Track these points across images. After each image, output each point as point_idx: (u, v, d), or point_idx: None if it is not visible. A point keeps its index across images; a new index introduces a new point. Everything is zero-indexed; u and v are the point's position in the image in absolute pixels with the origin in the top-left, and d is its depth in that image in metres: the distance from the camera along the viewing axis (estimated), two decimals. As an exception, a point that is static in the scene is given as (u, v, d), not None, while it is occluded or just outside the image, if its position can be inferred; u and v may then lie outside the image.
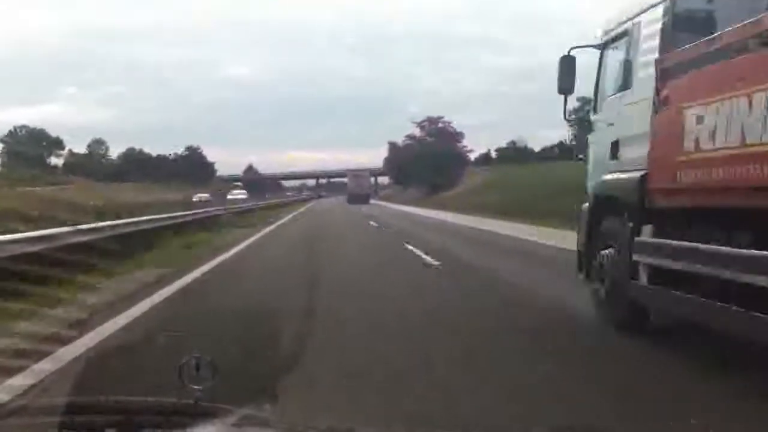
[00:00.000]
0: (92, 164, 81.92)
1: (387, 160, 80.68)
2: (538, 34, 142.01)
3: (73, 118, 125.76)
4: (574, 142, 59.30)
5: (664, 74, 4.94)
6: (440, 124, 72.60)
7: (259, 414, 1.68)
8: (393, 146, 78.80)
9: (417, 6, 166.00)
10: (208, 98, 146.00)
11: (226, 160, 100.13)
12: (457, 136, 72.32)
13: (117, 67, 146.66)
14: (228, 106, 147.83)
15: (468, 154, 74.29)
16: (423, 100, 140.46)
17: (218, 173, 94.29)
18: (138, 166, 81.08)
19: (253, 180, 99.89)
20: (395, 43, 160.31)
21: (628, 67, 5.79)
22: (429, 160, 63.18)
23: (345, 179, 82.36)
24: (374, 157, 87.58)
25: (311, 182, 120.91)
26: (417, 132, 73.89)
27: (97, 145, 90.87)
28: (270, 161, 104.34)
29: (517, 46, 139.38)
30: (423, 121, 73.50)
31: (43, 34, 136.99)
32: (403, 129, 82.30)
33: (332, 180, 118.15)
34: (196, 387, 1.57)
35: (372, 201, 64.94)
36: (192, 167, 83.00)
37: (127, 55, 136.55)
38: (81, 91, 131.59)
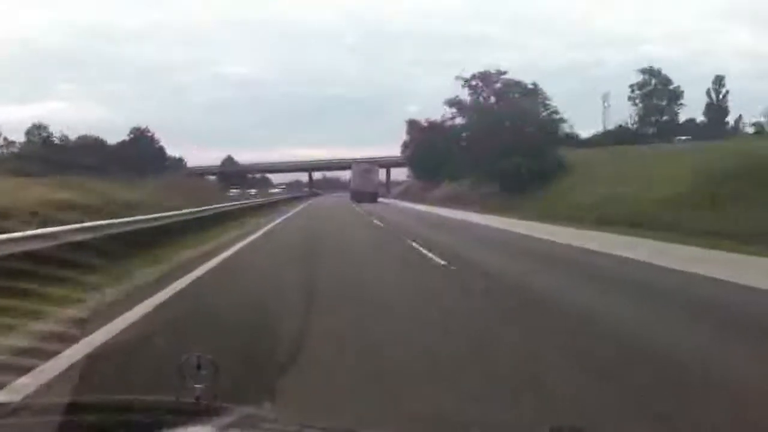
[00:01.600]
0: (31, 152, 66.92)
1: (406, 146, 63.96)
2: (538, 34, 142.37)
3: (71, 116, 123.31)
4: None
5: None
6: (498, 84, 47.70)
7: (259, 412, 1.75)
8: (413, 126, 60.11)
9: (417, 6, 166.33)
10: (208, 98, 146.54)
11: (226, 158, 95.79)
12: (538, 94, 45.22)
13: (115, 66, 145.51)
14: (227, 105, 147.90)
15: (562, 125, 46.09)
16: (423, 99, 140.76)
17: (190, 164, 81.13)
18: (76, 153, 64.75)
19: (230, 173, 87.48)
20: (395, 42, 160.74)
21: None
22: (502, 137, 38.57)
23: (345, 173, 72.88)
24: (376, 152, 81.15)
25: (304, 178, 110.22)
26: (465, 95, 49.99)
27: (38, 131, 76.56)
28: (268, 159, 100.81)
29: (518, 46, 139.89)
30: (473, 78, 49.15)
31: (39, 32, 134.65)
32: (403, 127, 64.96)
33: (328, 175, 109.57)
34: (196, 385, 1.64)
35: (382, 200, 56.73)
36: (144, 154, 67.84)
37: (125, 53, 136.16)
38: (79, 88, 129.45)
